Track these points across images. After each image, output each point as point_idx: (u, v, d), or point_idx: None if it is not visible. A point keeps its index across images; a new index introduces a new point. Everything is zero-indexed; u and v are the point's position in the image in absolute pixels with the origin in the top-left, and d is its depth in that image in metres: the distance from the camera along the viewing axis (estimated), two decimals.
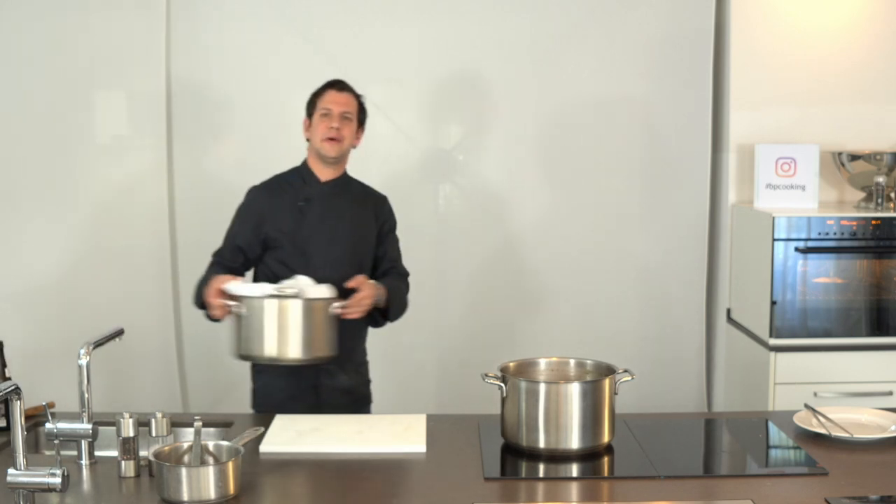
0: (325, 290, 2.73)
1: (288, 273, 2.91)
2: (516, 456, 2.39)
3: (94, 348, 2.35)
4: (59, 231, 4.03)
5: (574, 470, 2.32)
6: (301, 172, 3.10)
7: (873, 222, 3.58)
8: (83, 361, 2.32)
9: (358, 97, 3.07)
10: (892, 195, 3.75)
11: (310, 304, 2.67)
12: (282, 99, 4.09)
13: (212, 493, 2.05)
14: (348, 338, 2.93)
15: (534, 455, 2.36)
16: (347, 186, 3.11)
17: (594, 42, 4.07)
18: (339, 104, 3.01)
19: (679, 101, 4.09)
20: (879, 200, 3.69)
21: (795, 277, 3.59)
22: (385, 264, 3.13)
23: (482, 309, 4.18)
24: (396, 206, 4.11)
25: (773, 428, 2.59)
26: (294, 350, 2.66)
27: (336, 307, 2.75)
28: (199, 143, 4.08)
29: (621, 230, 4.15)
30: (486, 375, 2.46)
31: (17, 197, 4.01)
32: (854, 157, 3.80)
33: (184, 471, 2.05)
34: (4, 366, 2.59)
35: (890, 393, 3.58)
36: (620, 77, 4.09)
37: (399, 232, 4.17)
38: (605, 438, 2.40)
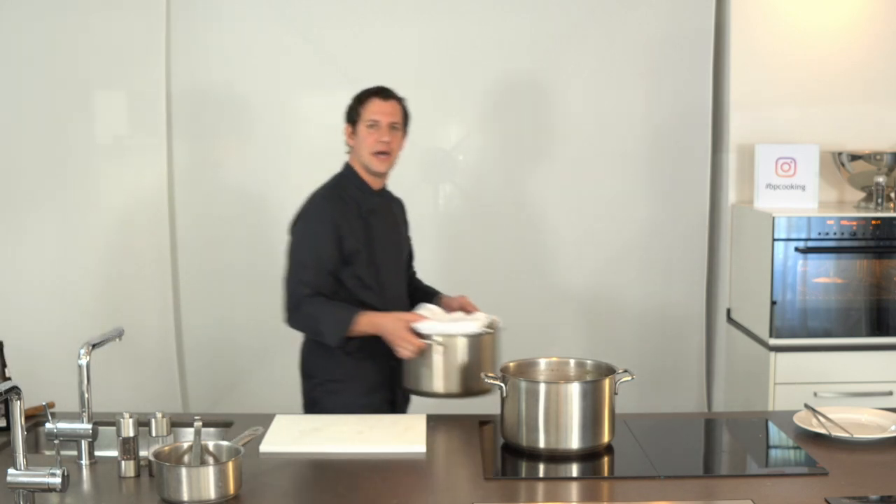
0: (481, 318, 2.79)
1: (362, 288, 2.88)
2: (516, 456, 2.39)
3: (93, 348, 2.35)
4: (59, 231, 4.03)
5: (574, 470, 2.32)
6: (353, 181, 2.98)
7: (873, 222, 3.57)
8: (83, 361, 2.32)
9: (401, 101, 2.98)
10: (892, 195, 3.75)
11: (497, 337, 2.76)
12: (282, 99, 4.09)
13: (212, 493, 2.04)
14: None
15: (534, 455, 2.36)
16: (388, 195, 3.09)
17: (594, 42, 4.07)
18: (386, 114, 2.90)
19: (679, 101, 4.09)
20: (879, 200, 3.69)
21: (795, 277, 3.59)
22: (409, 264, 3.17)
23: (482, 308, 4.17)
24: None
25: (773, 428, 2.59)
26: (484, 383, 2.57)
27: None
28: (199, 143, 4.08)
29: (621, 230, 4.15)
30: (486, 375, 2.46)
31: (17, 197, 4.01)
32: (854, 157, 3.80)
33: (184, 471, 2.05)
34: (4, 366, 2.59)
35: (890, 393, 3.58)
36: (620, 77, 4.09)
37: None
38: (605, 438, 2.40)
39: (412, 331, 2.69)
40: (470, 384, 2.67)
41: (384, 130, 2.89)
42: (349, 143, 2.99)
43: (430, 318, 2.76)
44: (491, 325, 2.77)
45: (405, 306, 2.97)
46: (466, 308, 2.92)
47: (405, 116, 3.00)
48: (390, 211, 3.06)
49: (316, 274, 2.86)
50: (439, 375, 2.69)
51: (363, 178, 2.97)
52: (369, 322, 2.79)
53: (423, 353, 2.69)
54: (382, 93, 2.94)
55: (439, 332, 2.68)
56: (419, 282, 3.21)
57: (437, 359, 2.68)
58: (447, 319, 2.78)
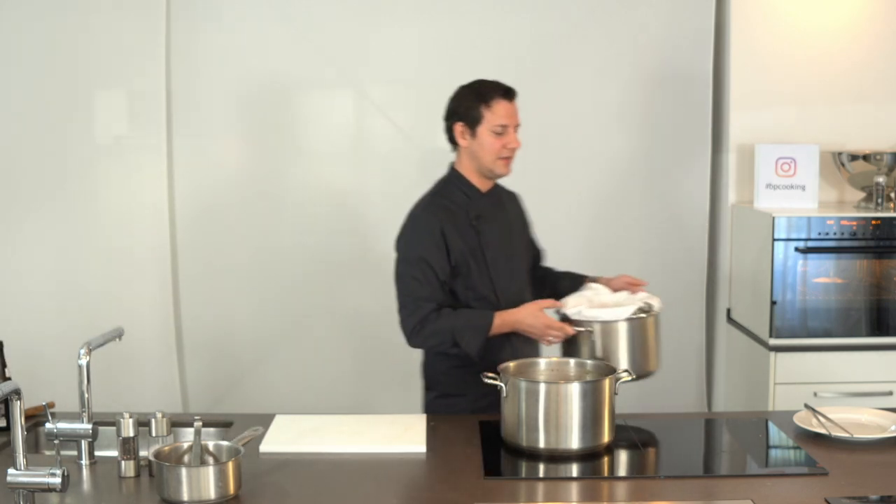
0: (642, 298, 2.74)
1: (476, 300, 2.75)
2: (516, 456, 2.39)
3: (93, 348, 2.35)
4: (59, 231, 4.03)
5: (574, 470, 2.32)
6: (459, 186, 2.81)
7: (873, 222, 3.57)
8: (83, 361, 2.32)
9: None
10: (892, 195, 3.75)
11: (657, 319, 2.71)
12: (282, 98, 4.09)
13: (212, 493, 2.05)
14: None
15: (534, 455, 2.36)
16: (499, 192, 2.91)
17: (594, 42, 4.07)
18: (513, 117, 2.73)
19: (679, 101, 4.09)
20: (879, 200, 3.69)
21: (795, 277, 3.59)
22: (540, 258, 3.07)
23: None
24: (396, 206, 4.12)
25: (773, 428, 2.59)
26: (652, 364, 2.68)
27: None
28: (199, 143, 4.08)
29: (621, 230, 4.15)
30: (486, 375, 2.46)
31: (18, 197, 4.01)
32: (854, 157, 3.80)
33: (184, 471, 2.05)
34: (4, 366, 2.59)
35: (890, 393, 3.58)
36: (620, 77, 4.09)
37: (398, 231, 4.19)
38: (605, 438, 2.40)
39: (561, 317, 2.66)
40: (654, 363, 2.69)
41: (513, 136, 2.72)
42: (461, 143, 2.78)
43: (572, 303, 2.69)
44: (647, 309, 2.70)
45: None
46: (633, 286, 2.82)
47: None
48: (502, 211, 2.88)
49: (433, 288, 2.71)
50: (614, 358, 2.64)
51: (471, 182, 2.80)
52: (504, 321, 2.67)
53: (573, 341, 2.64)
54: (508, 93, 2.74)
55: (587, 317, 2.63)
56: (559, 272, 3.04)
57: (586, 347, 2.63)
58: (598, 303, 2.69)
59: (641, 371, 2.62)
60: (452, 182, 2.84)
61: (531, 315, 2.65)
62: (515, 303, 2.77)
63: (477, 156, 2.76)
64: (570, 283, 2.94)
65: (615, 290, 2.82)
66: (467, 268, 2.74)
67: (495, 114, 2.71)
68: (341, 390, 4.13)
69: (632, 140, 4.13)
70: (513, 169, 2.84)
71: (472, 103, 2.74)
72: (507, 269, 2.83)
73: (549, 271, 3.09)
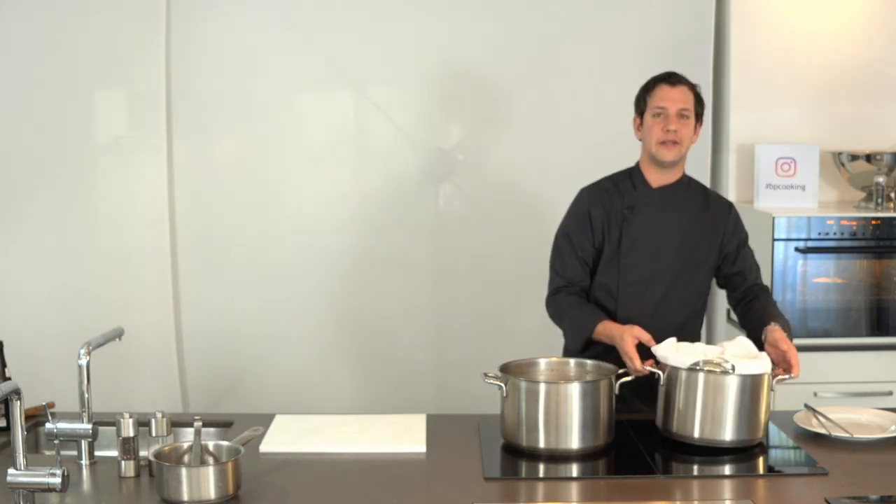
0: (763, 361, 2.42)
1: (597, 287, 2.75)
2: (516, 456, 2.38)
3: (93, 348, 2.35)
4: (59, 231, 4.03)
5: (574, 470, 2.32)
6: (632, 176, 2.81)
7: (873, 222, 3.57)
8: (83, 361, 2.32)
9: (693, 88, 2.77)
10: (892, 195, 3.76)
11: (745, 382, 2.36)
12: (282, 99, 4.09)
13: (212, 493, 2.04)
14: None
15: (534, 455, 2.36)
16: (684, 192, 2.80)
17: (594, 42, 4.06)
18: (674, 101, 2.70)
19: None
20: (879, 200, 3.69)
21: (795, 277, 3.59)
22: (743, 283, 2.83)
23: (482, 309, 4.18)
24: (396, 206, 4.13)
25: (773, 428, 2.58)
26: (725, 432, 2.37)
27: (778, 379, 2.45)
28: (199, 143, 4.08)
29: None
30: (486, 375, 2.46)
31: (18, 197, 4.01)
32: (854, 157, 3.80)
33: (184, 471, 2.05)
34: (4, 366, 2.59)
35: (890, 393, 3.58)
36: (620, 77, 4.08)
37: (398, 231, 4.19)
38: (605, 438, 2.39)
39: (647, 351, 2.50)
40: (704, 429, 2.37)
41: (672, 118, 2.69)
42: (637, 135, 2.81)
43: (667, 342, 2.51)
44: (725, 368, 2.37)
45: (650, 321, 2.66)
46: (779, 345, 2.54)
47: (698, 103, 2.77)
48: (676, 211, 2.77)
49: (567, 263, 2.79)
50: (660, 409, 2.46)
51: (644, 174, 2.79)
52: (605, 332, 2.63)
53: (669, 388, 2.44)
54: (671, 78, 2.75)
55: (659, 356, 2.45)
56: (761, 308, 2.77)
57: (661, 390, 2.45)
58: (689, 350, 2.47)
59: (709, 436, 2.38)
60: (628, 171, 2.86)
61: (620, 337, 2.57)
62: (637, 304, 2.75)
63: (645, 143, 2.78)
64: (756, 325, 2.73)
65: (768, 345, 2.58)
66: (604, 258, 2.77)
67: (655, 97, 2.74)
68: (341, 390, 4.13)
69: (632, 140, 4.12)
70: (677, 160, 2.76)
71: (640, 94, 2.81)
72: (643, 269, 2.76)
73: (752, 311, 2.81)
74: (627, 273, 2.77)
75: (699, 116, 2.79)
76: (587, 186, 2.88)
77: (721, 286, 2.93)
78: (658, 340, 2.54)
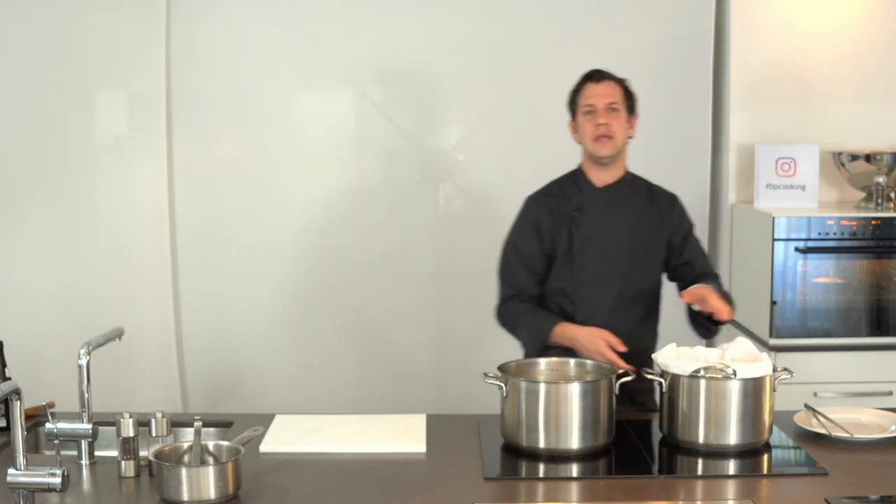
0: (763, 364, 2.42)
1: (551, 293, 2.78)
2: (516, 456, 2.38)
3: (93, 348, 2.35)
4: (59, 231, 4.03)
5: (574, 470, 2.32)
6: (576, 178, 2.86)
7: (873, 222, 3.57)
8: (83, 361, 2.32)
9: (621, 82, 2.82)
10: (892, 195, 3.75)
11: (748, 385, 2.37)
12: (282, 98, 4.09)
13: (212, 493, 2.04)
14: (644, 347, 2.75)
15: (534, 455, 2.36)
16: (629, 189, 2.85)
17: (594, 42, 4.06)
18: (601, 96, 2.76)
19: (679, 101, 4.09)
20: (879, 200, 3.69)
21: (795, 277, 3.59)
22: (691, 272, 2.83)
23: (482, 309, 4.16)
24: (396, 206, 4.13)
25: (773, 428, 2.58)
26: (729, 437, 2.37)
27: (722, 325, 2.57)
28: (199, 143, 4.08)
29: None
30: (486, 375, 2.46)
31: (18, 197, 4.02)
32: (854, 157, 3.80)
33: (184, 471, 2.05)
34: (4, 366, 2.59)
35: (890, 393, 3.58)
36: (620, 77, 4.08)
37: (398, 231, 4.19)
38: (605, 438, 2.39)
39: (613, 350, 2.55)
40: (709, 435, 2.36)
41: (601, 113, 2.75)
42: (574, 137, 2.86)
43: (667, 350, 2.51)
44: (727, 374, 2.37)
45: (608, 320, 2.73)
46: (696, 290, 2.60)
47: (628, 97, 2.82)
48: (621, 208, 2.81)
49: (514, 273, 2.83)
50: (664, 416, 2.45)
51: (587, 174, 2.84)
52: (564, 334, 2.68)
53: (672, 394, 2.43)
54: (595, 75, 2.81)
55: (665, 365, 2.44)
56: (697, 278, 2.81)
57: (664, 398, 2.44)
58: (690, 357, 2.47)
59: (715, 441, 2.38)
60: (571, 174, 2.90)
61: (589, 340, 2.62)
62: (594, 303, 2.78)
63: (582, 143, 2.83)
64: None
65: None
66: (556, 262, 2.80)
67: (582, 96, 2.80)
68: (341, 390, 4.13)
69: (632, 140, 4.12)
70: (614, 156, 2.81)
71: (570, 97, 2.86)
72: (596, 269, 2.79)
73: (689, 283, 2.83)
74: (581, 274, 2.80)
75: (632, 110, 2.83)
76: (533, 194, 2.91)
77: (671, 279, 2.94)
78: (618, 336, 2.61)
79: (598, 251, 2.79)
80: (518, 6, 4.04)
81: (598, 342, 2.60)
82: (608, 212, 2.81)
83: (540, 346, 2.75)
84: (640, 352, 2.73)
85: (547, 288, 2.85)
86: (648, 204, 2.85)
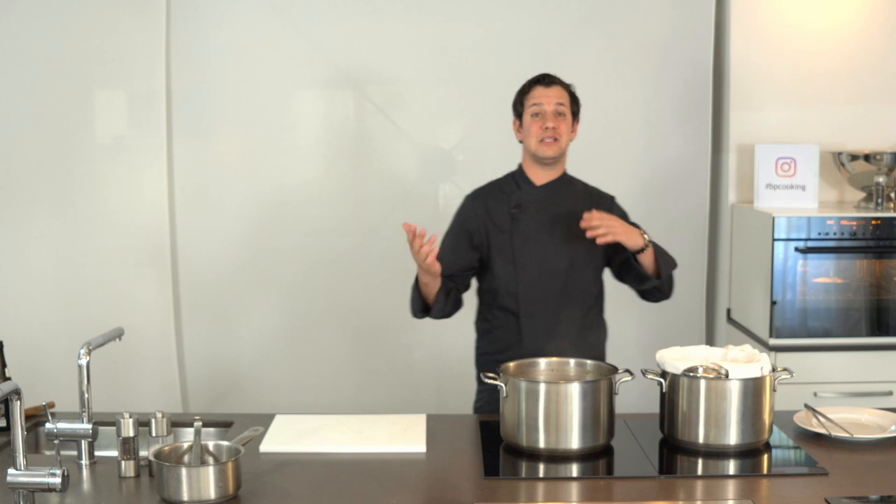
0: (758, 364, 2.40)
1: (502, 295, 2.82)
2: (516, 456, 2.38)
3: (93, 348, 2.35)
4: (59, 231, 4.03)
5: (574, 470, 2.32)
6: (515, 177, 2.92)
7: (873, 222, 3.58)
8: (83, 361, 2.32)
9: (568, 87, 2.89)
10: (892, 195, 3.76)
11: (747, 385, 2.36)
12: (282, 99, 4.09)
13: (212, 493, 2.04)
14: (594, 340, 2.85)
15: (534, 455, 2.36)
16: (567, 189, 2.91)
17: (594, 42, 4.07)
18: (550, 100, 2.81)
19: (679, 101, 4.09)
20: (879, 200, 3.69)
21: (795, 277, 3.59)
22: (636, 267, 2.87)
23: None
24: (396, 206, 4.13)
25: (773, 428, 2.58)
26: (729, 437, 2.36)
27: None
28: (199, 143, 4.08)
29: None
30: (486, 375, 2.46)
31: (18, 197, 4.02)
32: (854, 157, 3.80)
33: (184, 471, 2.05)
34: (4, 366, 2.59)
35: (890, 393, 3.58)
36: (620, 77, 4.09)
37: (398, 231, 4.17)
38: (605, 438, 2.40)
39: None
40: (709, 435, 2.36)
41: (549, 116, 2.81)
42: (517, 137, 2.92)
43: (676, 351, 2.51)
44: (720, 373, 2.37)
45: (553, 315, 2.82)
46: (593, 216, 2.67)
47: (574, 102, 2.89)
48: (556, 206, 2.86)
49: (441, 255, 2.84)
50: (665, 416, 2.46)
51: (527, 174, 2.90)
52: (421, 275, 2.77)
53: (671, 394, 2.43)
54: (545, 79, 2.87)
55: (661, 363, 2.45)
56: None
57: (663, 397, 2.44)
58: (688, 356, 2.47)
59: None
60: (513, 174, 2.95)
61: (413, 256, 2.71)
62: (538, 299, 2.84)
63: (526, 143, 2.88)
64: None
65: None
66: (490, 253, 2.85)
67: (530, 98, 2.85)
68: (341, 390, 4.13)
69: (632, 140, 4.13)
70: (558, 157, 2.88)
71: (517, 97, 2.91)
72: (538, 265, 2.84)
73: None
74: (524, 271, 2.84)
75: (576, 115, 2.91)
76: (471, 193, 2.96)
77: (618, 277, 2.97)
78: (564, 332, 2.74)
79: (540, 247, 2.84)
80: (518, 6, 4.04)
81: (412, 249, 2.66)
82: (548, 208, 2.87)
83: (415, 308, 2.89)
84: (589, 345, 2.83)
85: (490, 286, 2.89)
86: (586, 203, 2.88)
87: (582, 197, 2.92)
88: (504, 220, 2.86)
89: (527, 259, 2.84)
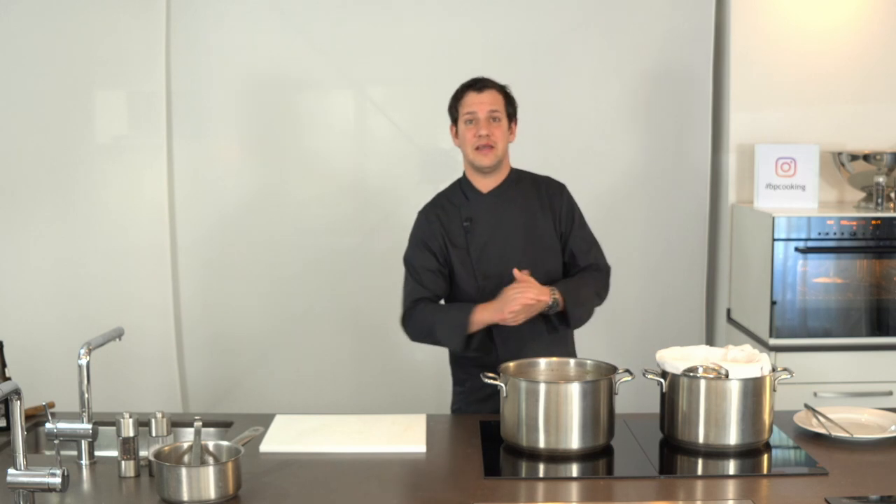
0: (758, 364, 2.41)
1: (467, 300, 2.77)
2: (516, 456, 2.39)
3: (93, 348, 2.35)
4: (60, 231, 4.03)
5: (574, 470, 2.32)
6: (462, 186, 2.88)
7: (873, 222, 3.58)
8: (83, 361, 2.32)
9: (502, 89, 2.83)
10: (892, 195, 3.75)
11: (747, 385, 2.36)
12: (282, 99, 4.09)
13: (212, 493, 2.05)
14: (523, 342, 2.79)
15: (534, 455, 2.36)
16: (514, 188, 2.87)
17: (594, 42, 4.07)
18: (482, 105, 2.77)
19: (679, 101, 4.09)
20: (879, 200, 3.69)
21: (795, 277, 3.59)
22: (574, 265, 2.87)
23: None
24: (396, 206, 4.13)
25: (773, 428, 2.58)
26: (729, 437, 2.37)
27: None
28: (199, 143, 4.08)
29: (621, 230, 4.14)
30: (486, 375, 2.46)
31: (18, 197, 4.02)
32: (854, 157, 3.80)
33: (184, 471, 2.05)
34: (4, 366, 2.59)
35: (890, 393, 3.58)
36: (620, 77, 4.09)
37: (398, 231, 4.18)
38: (605, 438, 2.40)
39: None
40: (709, 435, 2.37)
41: (483, 123, 2.76)
42: (455, 143, 2.88)
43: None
44: (721, 373, 2.37)
45: (526, 338, 2.78)
46: (521, 280, 2.66)
47: (509, 104, 2.84)
48: (508, 210, 2.84)
49: (412, 287, 2.81)
50: (665, 416, 2.46)
51: (472, 183, 2.85)
52: (482, 318, 2.68)
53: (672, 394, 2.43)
54: (476, 84, 2.81)
55: (672, 363, 2.44)
56: (568, 279, 2.87)
57: (664, 397, 2.45)
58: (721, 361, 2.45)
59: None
60: (458, 183, 2.91)
61: (504, 304, 2.63)
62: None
63: (463, 151, 2.84)
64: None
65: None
66: (453, 268, 2.82)
67: (463, 104, 2.80)
68: (341, 390, 4.13)
69: (632, 140, 4.13)
70: (495, 164, 2.83)
71: (451, 103, 2.86)
72: (498, 271, 2.79)
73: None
74: (485, 280, 2.81)
75: (512, 117, 2.85)
76: (423, 208, 2.91)
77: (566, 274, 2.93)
78: (533, 333, 2.73)
79: (498, 254, 2.80)
80: (518, 6, 4.04)
81: (510, 298, 2.61)
82: (498, 216, 2.83)
83: (461, 339, 2.72)
84: (562, 340, 2.84)
85: (457, 296, 2.85)
86: (536, 196, 2.87)
87: (531, 192, 2.88)
88: (458, 235, 2.83)
89: (486, 268, 2.81)
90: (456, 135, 2.86)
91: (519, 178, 2.90)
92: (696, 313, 4.21)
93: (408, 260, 2.87)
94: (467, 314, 2.70)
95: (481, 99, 2.78)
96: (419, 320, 2.78)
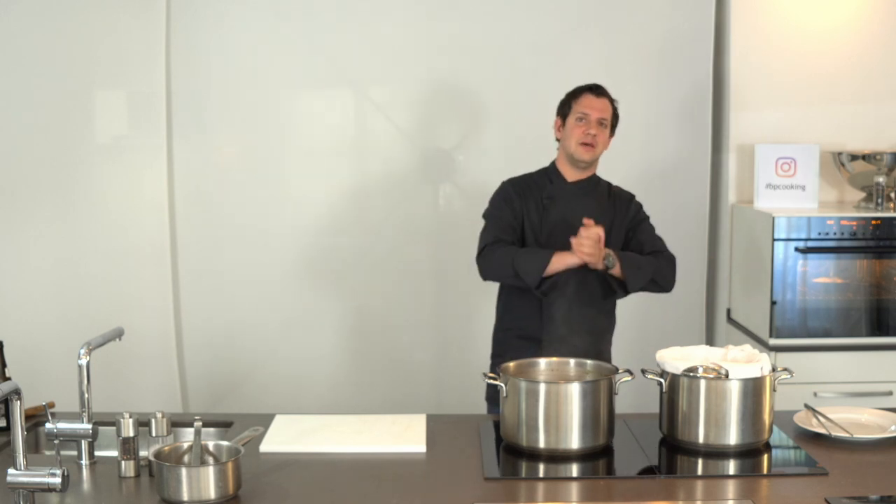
0: (758, 365, 2.40)
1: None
2: (516, 456, 2.39)
3: (93, 348, 2.35)
4: (59, 231, 4.03)
5: (574, 470, 2.32)
6: (549, 173, 3.12)
7: (873, 222, 3.58)
8: (83, 361, 2.32)
9: (613, 102, 3.08)
10: (892, 195, 3.75)
11: (747, 385, 2.36)
12: (282, 99, 4.09)
13: (212, 493, 2.05)
14: (598, 339, 3.00)
15: (534, 455, 2.36)
16: (594, 187, 3.11)
17: (594, 42, 4.07)
18: (596, 109, 3.02)
19: (679, 101, 4.09)
20: (879, 200, 3.69)
21: (795, 277, 3.59)
22: (640, 251, 3.08)
23: (482, 308, 4.17)
24: (396, 205, 4.14)
25: (773, 428, 2.58)
26: (729, 437, 2.37)
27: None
28: (199, 143, 4.08)
29: None
30: (486, 375, 2.46)
31: (18, 197, 4.01)
32: (854, 157, 3.80)
33: (184, 471, 2.05)
34: (4, 366, 2.59)
35: (890, 393, 3.58)
36: (620, 77, 4.08)
37: (398, 231, 4.19)
38: (605, 438, 2.40)
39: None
40: (709, 435, 2.37)
41: (592, 123, 3.00)
42: (557, 136, 3.10)
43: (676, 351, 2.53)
44: (721, 373, 2.38)
45: (570, 302, 2.97)
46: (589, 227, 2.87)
47: (615, 116, 3.08)
48: (587, 203, 3.05)
49: (495, 230, 3.02)
50: (663, 415, 2.46)
51: (560, 170, 3.09)
52: (562, 261, 2.88)
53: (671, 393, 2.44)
54: (596, 89, 3.06)
55: (672, 363, 2.45)
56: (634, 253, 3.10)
57: (663, 397, 2.45)
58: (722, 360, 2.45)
59: (715, 441, 2.39)
60: (545, 170, 3.14)
61: (576, 249, 2.85)
62: (560, 292, 2.96)
63: (565, 143, 3.06)
64: None
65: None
66: (524, 238, 3.03)
67: (580, 104, 3.04)
68: (341, 390, 4.13)
69: (632, 140, 4.13)
70: (591, 161, 3.07)
71: (565, 99, 3.09)
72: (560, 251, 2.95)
73: None
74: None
75: (613, 129, 3.11)
76: (507, 179, 3.15)
77: None
78: (579, 318, 2.91)
79: (564, 238, 2.95)
80: (518, 6, 4.04)
81: (578, 246, 2.84)
82: (576, 202, 3.05)
83: (540, 272, 2.90)
84: (601, 331, 3.05)
85: None
86: (610, 201, 3.11)
87: (606, 195, 3.12)
88: (535, 211, 3.04)
89: (553, 246, 2.96)
90: (560, 128, 3.09)
91: (599, 181, 3.14)
92: (696, 313, 4.21)
93: (489, 213, 3.10)
94: (550, 252, 2.91)
95: (597, 104, 3.03)
96: (501, 253, 2.96)
